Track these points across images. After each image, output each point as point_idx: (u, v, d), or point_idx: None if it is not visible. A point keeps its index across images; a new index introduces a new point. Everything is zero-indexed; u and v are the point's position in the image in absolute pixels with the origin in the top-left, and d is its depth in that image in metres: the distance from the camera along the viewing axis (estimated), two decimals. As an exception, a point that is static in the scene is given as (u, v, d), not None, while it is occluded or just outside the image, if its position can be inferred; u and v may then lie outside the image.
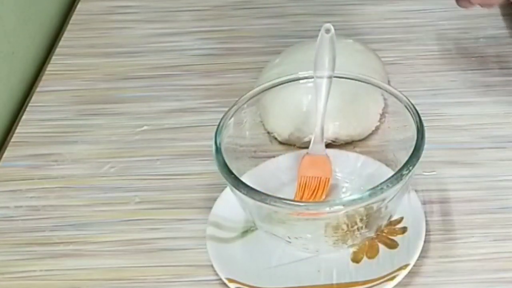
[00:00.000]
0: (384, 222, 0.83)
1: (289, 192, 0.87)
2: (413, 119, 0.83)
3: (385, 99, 0.92)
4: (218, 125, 0.84)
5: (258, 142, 0.93)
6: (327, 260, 0.84)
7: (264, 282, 0.82)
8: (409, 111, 0.84)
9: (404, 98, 0.86)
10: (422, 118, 0.83)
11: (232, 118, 0.86)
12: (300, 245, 0.84)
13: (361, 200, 0.76)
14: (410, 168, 0.78)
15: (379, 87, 0.89)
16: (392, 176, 0.77)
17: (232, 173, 0.80)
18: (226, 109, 0.86)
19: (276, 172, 0.91)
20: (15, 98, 1.13)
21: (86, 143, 1.03)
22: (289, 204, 0.77)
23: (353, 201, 0.77)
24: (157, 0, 1.27)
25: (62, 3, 1.30)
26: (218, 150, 0.82)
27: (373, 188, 0.77)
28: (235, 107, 0.87)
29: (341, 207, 0.77)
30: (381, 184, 0.77)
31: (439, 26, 1.17)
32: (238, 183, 0.79)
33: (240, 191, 0.78)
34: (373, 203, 0.77)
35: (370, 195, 0.76)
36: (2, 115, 1.09)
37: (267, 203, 0.77)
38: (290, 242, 0.83)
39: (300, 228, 0.82)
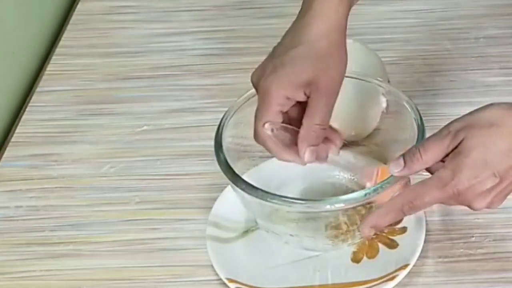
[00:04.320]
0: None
1: (289, 192, 0.87)
2: (414, 118, 0.83)
3: (385, 99, 0.92)
4: (220, 123, 0.84)
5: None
6: (327, 260, 0.84)
7: (264, 282, 0.82)
8: (409, 109, 0.84)
9: (405, 97, 0.86)
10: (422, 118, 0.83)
11: (233, 117, 0.86)
12: (301, 244, 0.84)
13: (362, 198, 0.76)
14: None
15: (380, 86, 0.89)
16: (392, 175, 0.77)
17: (233, 170, 0.80)
18: (226, 109, 0.86)
19: (276, 172, 0.90)
20: (15, 98, 1.13)
21: (86, 143, 1.03)
22: (289, 201, 0.77)
23: (353, 199, 0.77)
24: (157, 0, 1.27)
25: (62, 3, 1.30)
26: (219, 147, 0.82)
27: (373, 186, 0.77)
28: (236, 106, 0.87)
29: (342, 204, 0.77)
30: (381, 183, 0.77)
31: (439, 26, 1.17)
32: (238, 180, 0.79)
33: (240, 188, 0.78)
34: (372, 202, 0.77)
35: (369, 194, 0.76)
36: (2, 115, 1.09)
37: (267, 201, 0.77)
38: (291, 241, 0.83)
39: (300, 227, 0.82)
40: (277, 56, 0.78)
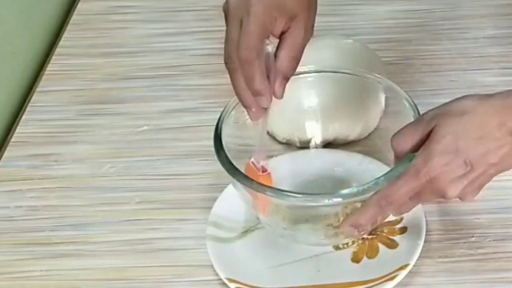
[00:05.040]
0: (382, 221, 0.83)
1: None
2: (413, 115, 0.83)
3: (384, 95, 0.92)
4: (220, 116, 0.84)
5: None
6: (327, 260, 0.84)
7: (264, 282, 0.82)
8: (408, 106, 0.84)
9: (403, 93, 0.85)
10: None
11: (232, 114, 0.85)
12: (294, 239, 0.84)
13: (359, 193, 0.76)
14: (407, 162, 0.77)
15: (379, 83, 0.89)
16: (390, 170, 0.77)
17: (231, 163, 0.79)
18: (226, 109, 0.86)
19: (276, 172, 0.90)
20: (15, 98, 1.13)
21: (86, 143, 1.03)
22: (284, 194, 0.77)
23: (351, 194, 0.76)
24: (157, 0, 1.27)
25: (62, 3, 1.30)
26: (218, 137, 0.81)
27: (371, 181, 0.76)
28: (234, 102, 0.86)
29: (340, 199, 0.77)
30: (379, 177, 0.76)
31: (439, 26, 1.17)
32: (236, 172, 0.78)
33: (237, 179, 0.78)
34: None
35: (366, 189, 0.76)
36: (2, 115, 1.09)
37: (263, 193, 0.76)
38: (285, 235, 0.83)
39: (297, 223, 0.82)
40: None
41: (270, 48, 0.78)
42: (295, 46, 0.79)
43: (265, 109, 0.80)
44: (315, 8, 0.81)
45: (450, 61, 1.11)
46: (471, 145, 0.73)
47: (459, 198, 0.76)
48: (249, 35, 0.76)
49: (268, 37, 0.78)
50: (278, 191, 0.77)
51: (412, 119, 0.83)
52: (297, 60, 0.79)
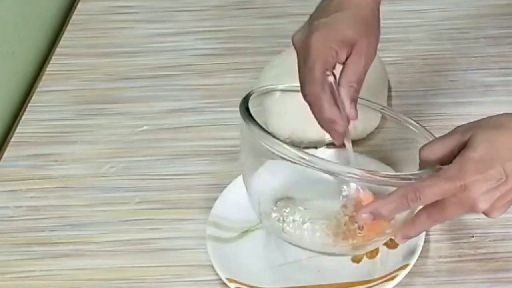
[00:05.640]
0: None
1: (291, 193, 0.87)
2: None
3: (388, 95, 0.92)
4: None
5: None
6: (327, 260, 0.84)
7: (264, 282, 0.82)
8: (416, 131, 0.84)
9: (410, 120, 0.86)
10: (422, 118, 0.83)
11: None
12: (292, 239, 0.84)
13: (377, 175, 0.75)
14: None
15: (382, 111, 0.90)
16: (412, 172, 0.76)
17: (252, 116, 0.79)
18: (227, 109, 0.86)
19: (279, 173, 0.90)
20: (15, 98, 1.13)
21: (86, 143, 1.03)
22: (286, 148, 0.76)
23: (369, 172, 0.75)
24: (157, 0, 1.27)
25: (62, 3, 1.30)
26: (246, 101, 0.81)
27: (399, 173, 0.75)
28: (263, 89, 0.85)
29: (356, 175, 0.75)
30: (409, 173, 0.76)
31: (439, 26, 1.17)
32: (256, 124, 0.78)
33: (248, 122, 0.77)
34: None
35: (391, 177, 0.76)
36: (2, 115, 1.09)
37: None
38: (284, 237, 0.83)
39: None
40: (321, 17, 0.81)
41: (331, 78, 0.80)
42: (355, 72, 0.80)
43: (345, 133, 0.82)
44: (376, 34, 0.83)
45: (450, 61, 1.11)
46: (507, 155, 0.73)
47: (486, 213, 0.75)
48: (311, 72, 0.79)
49: (329, 69, 0.80)
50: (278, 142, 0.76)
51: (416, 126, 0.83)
52: (358, 84, 0.81)
